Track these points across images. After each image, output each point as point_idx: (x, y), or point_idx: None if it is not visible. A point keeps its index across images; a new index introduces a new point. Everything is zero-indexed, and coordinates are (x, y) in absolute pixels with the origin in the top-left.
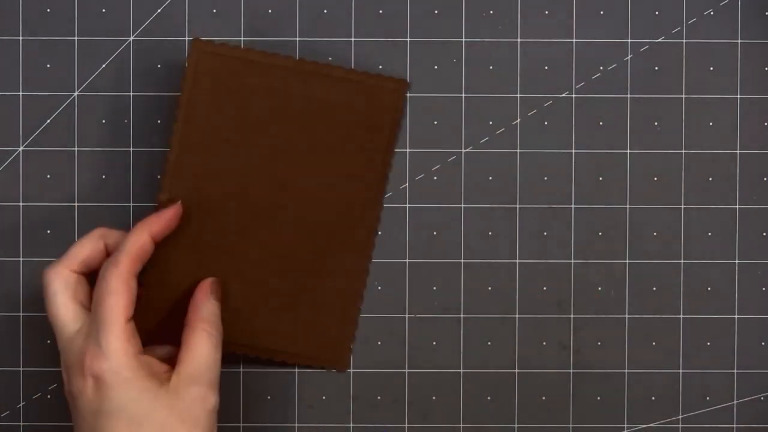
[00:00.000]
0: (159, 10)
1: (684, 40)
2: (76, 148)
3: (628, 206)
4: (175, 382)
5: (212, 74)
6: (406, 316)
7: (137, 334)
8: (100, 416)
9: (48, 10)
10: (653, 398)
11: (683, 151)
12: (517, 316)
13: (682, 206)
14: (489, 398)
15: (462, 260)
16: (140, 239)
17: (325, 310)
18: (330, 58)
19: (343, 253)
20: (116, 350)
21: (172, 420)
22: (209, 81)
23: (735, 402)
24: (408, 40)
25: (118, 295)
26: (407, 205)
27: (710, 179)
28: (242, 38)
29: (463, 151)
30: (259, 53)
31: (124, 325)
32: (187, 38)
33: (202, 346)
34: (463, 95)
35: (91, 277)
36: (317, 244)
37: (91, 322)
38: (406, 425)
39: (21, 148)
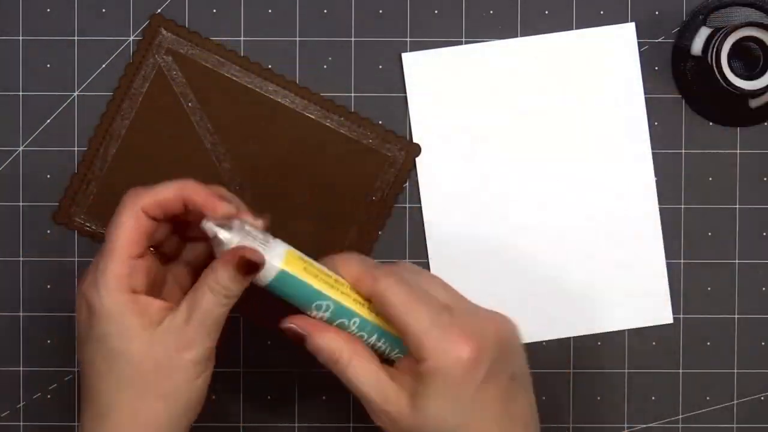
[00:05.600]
0: (159, 11)
1: None
2: (76, 148)
3: None
4: (165, 327)
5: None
6: None
7: (146, 271)
8: (87, 340)
9: (48, 10)
10: (653, 398)
11: (683, 151)
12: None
13: (682, 206)
14: None
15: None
16: (171, 191)
17: None
18: (330, 58)
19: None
20: (108, 282)
21: (147, 364)
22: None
23: (735, 402)
24: (408, 40)
25: (125, 228)
26: (407, 205)
27: (710, 179)
28: (242, 38)
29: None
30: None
31: (125, 260)
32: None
33: (204, 301)
34: None
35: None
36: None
37: (102, 247)
38: None
39: (21, 148)
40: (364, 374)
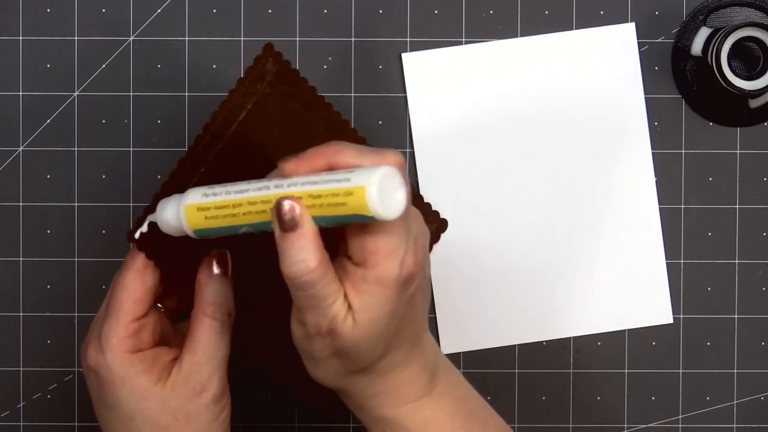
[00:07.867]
0: (159, 10)
1: None
2: (76, 148)
3: None
4: (174, 377)
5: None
6: None
7: (152, 327)
8: (100, 406)
9: (48, 10)
10: (653, 398)
11: (683, 151)
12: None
13: (682, 206)
14: (489, 398)
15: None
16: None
17: None
18: (330, 58)
19: None
20: (113, 347)
21: (165, 417)
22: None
23: (735, 402)
24: (408, 40)
25: (128, 290)
26: None
27: (710, 179)
28: (242, 38)
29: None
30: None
31: (128, 323)
32: (187, 38)
33: (203, 335)
34: None
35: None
36: None
37: (103, 311)
38: None
39: (21, 148)
40: (334, 288)
